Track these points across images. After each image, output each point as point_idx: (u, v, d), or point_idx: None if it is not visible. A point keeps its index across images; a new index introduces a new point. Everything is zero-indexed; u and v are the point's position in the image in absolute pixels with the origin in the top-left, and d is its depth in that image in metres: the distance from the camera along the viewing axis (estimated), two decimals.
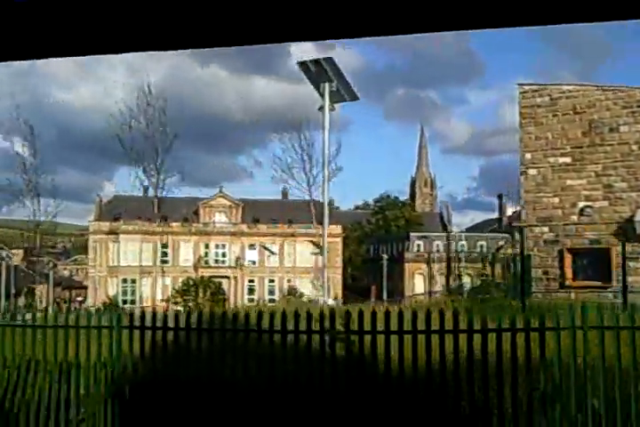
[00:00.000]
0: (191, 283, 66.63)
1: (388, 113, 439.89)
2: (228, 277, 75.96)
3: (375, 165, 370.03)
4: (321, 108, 15.56)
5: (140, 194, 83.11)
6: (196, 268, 76.69)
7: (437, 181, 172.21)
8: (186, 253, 77.53)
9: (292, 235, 79.10)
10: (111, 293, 74.20)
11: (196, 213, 79.09)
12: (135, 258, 74.71)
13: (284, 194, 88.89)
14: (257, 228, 79.20)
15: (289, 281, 78.78)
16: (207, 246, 77.61)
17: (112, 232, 75.07)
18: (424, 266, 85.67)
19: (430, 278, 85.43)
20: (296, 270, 78.61)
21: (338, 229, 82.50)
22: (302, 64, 14.77)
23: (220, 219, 79.36)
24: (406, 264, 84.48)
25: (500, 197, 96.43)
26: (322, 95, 15.17)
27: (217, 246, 77.90)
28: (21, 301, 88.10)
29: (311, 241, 73.01)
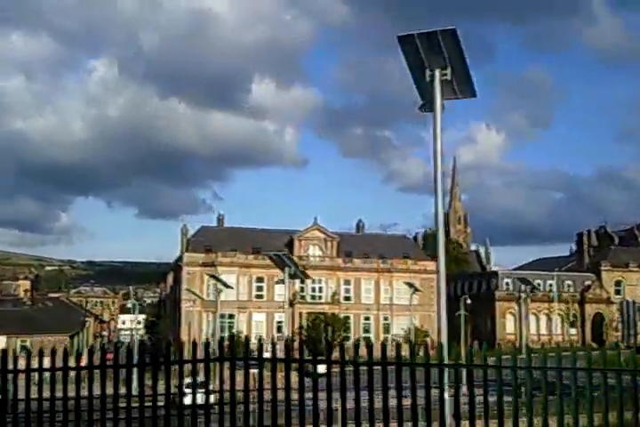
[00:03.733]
0: (321, 318, 63.39)
1: (346, 151, 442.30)
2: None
3: (337, 200, 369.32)
4: (423, 107, 9.53)
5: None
6: (292, 304, 73.25)
7: (469, 218, 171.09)
8: (280, 287, 74.09)
9: (389, 270, 76.15)
10: (205, 329, 70.67)
11: (290, 245, 75.95)
12: (232, 292, 71.19)
13: (358, 227, 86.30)
14: (352, 262, 76.23)
15: (385, 319, 75.69)
16: (303, 281, 74.18)
17: (207, 264, 71.67)
18: (514, 305, 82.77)
19: (521, 318, 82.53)
20: (393, 308, 75.54)
21: (433, 265, 79.72)
22: (405, 38, 8.99)
23: (313, 252, 76.27)
24: (497, 303, 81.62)
25: (580, 235, 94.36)
26: (418, 86, 9.37)
27: (313, 281, 74.61)
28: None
29: (408, 283, 70.11)
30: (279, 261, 35.45)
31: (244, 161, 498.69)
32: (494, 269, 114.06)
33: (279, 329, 73.13)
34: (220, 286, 60.70)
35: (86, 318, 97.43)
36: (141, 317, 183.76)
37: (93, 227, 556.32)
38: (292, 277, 36.01)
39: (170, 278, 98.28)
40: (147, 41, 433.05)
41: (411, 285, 63.65)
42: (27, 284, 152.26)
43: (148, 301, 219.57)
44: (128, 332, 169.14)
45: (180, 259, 74.54)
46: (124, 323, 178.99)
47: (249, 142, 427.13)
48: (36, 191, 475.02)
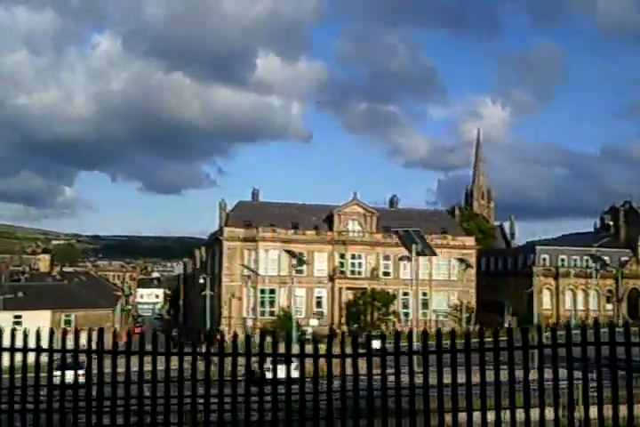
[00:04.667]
0: (368, 294, 62.88)
1: (349, 125, 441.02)
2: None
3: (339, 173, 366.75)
4: None
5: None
6: (332, 278, 72.83)
7: (493, 192, 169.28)
8: (319, 262, 73.61)
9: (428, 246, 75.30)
10: (245, 303, 70.39)
11: (329, 220, 75.22)
12: (272, 267, 70.72)
13: (392, 202, 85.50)
14: (391, 237, 75.42)
15: (424, 294, 75.16)
16: (343, 256, 73.68)
17: (248, 239, 71.00)
18: (551, 280, 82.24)
19: (559, 294, 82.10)
20: (432, 283, 75.00)
21: (471, 240, 79.19)
22: None
23: (353, 227, 75.53)
24: (535, 278, 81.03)
25: (615, 210, 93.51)
26: None
27: (353, 257, 74.03)
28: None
29: (461, 259, 69.59)
30: (407, 238, 34.49)
31: (249, 136, 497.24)
32: (517, 244, 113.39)
33: (319, 304, 73.00)
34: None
35: (117, 293, 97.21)
36: (160, 291, 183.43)
37: (97, 201, 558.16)
38: (419, 254, 35.09)
39: (199, 253, 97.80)
40: (151, 15, 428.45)
41: (462, 260, 62.98)
42: (46, 258, 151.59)
43: (156, 275, 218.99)
44: (146, 306, 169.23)
45: (218, 233, 73.82)
46: (142, 297, 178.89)
47: (253, 117, 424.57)
48: (41, 166, 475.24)
